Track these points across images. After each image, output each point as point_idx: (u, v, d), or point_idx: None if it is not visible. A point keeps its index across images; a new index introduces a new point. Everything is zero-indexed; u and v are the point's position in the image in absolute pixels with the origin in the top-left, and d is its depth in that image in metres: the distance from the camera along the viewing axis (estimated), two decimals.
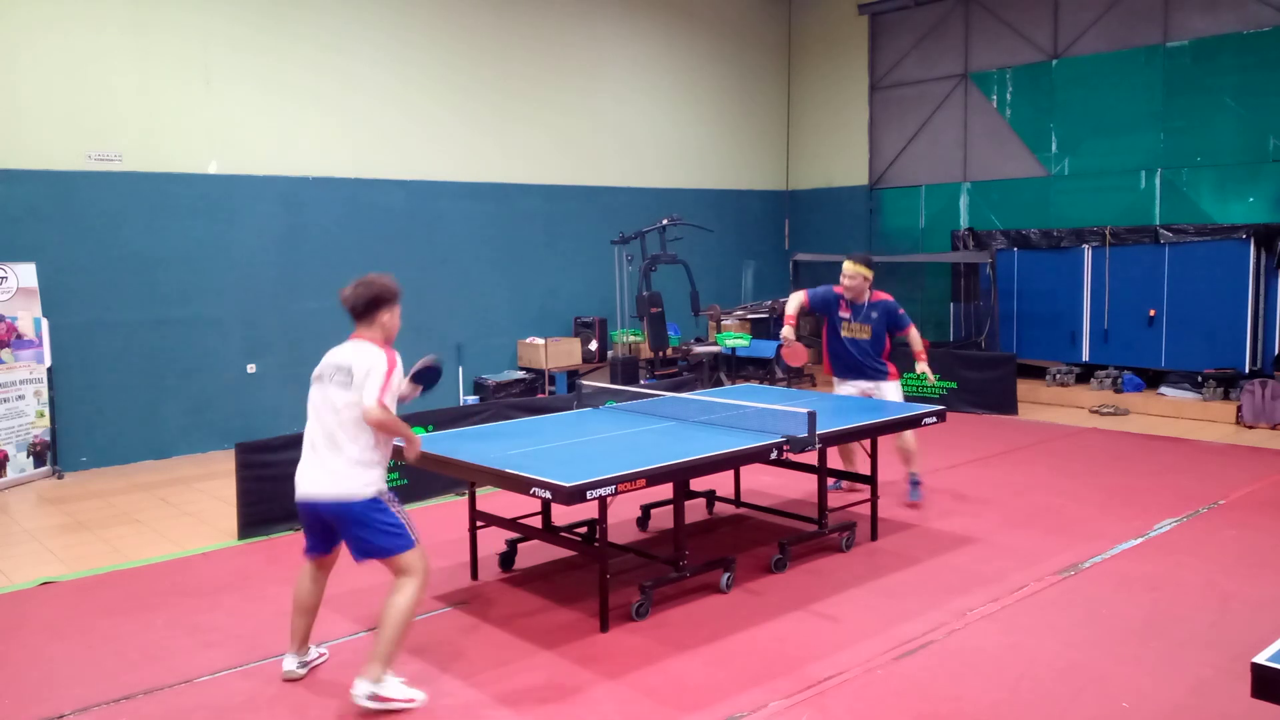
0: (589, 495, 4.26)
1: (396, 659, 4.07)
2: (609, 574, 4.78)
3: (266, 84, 9.75)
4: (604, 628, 4.75)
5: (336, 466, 4.00)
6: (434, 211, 11.07)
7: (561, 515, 5.94)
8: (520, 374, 11.50)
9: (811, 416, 5.14)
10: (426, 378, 4.61)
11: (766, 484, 7.31)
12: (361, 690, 3.92)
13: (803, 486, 7.24)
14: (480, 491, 5.83)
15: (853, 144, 14.47)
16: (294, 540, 6.41)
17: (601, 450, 5.16)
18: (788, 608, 5.01)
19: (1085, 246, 11.57)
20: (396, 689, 3.98)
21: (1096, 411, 10.61)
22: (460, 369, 11.34)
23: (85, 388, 8.74)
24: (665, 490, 5.82)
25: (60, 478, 8.43)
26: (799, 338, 6.84)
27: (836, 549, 5.93)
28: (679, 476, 4.86)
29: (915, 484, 7.02)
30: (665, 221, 11.42)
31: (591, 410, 6.55)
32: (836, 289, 6.99)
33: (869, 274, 6.95)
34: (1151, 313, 11.06)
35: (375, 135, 10.58)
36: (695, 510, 6.77)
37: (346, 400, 4.02)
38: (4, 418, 8.07)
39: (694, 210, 13.14)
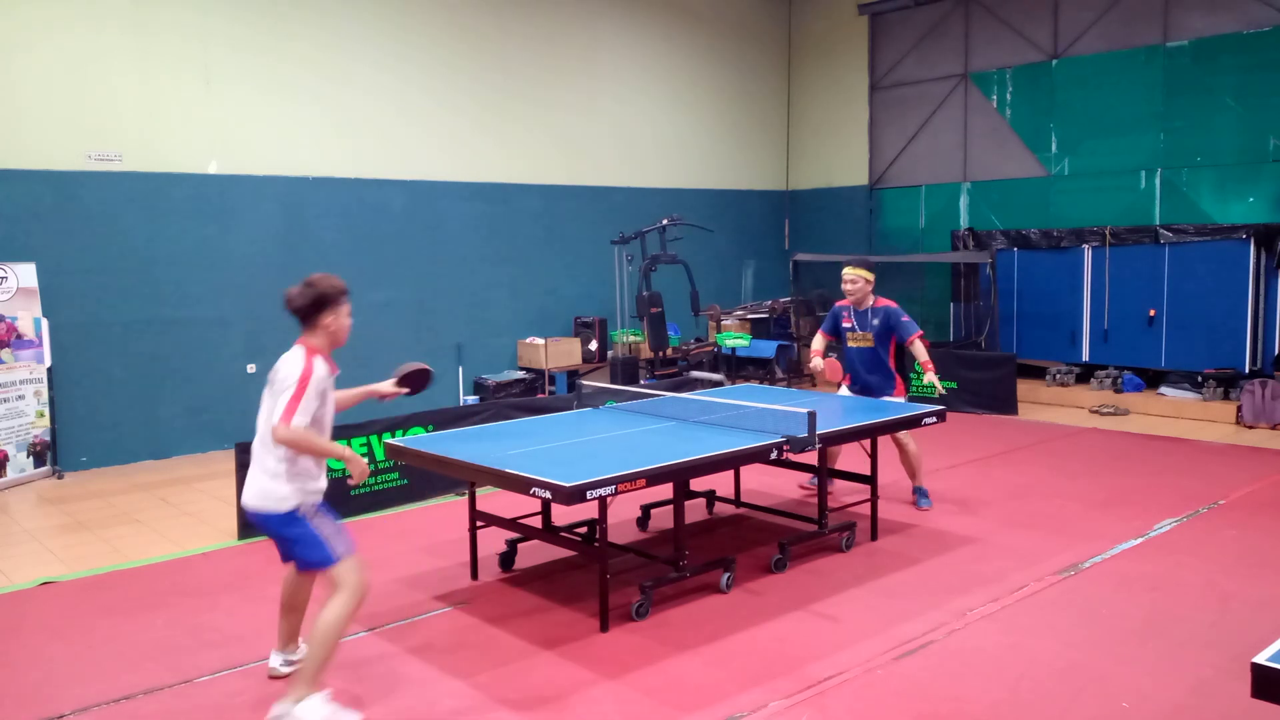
0: (589, 495, 4.26)
1: (321, 677, 3.87)
2: (609, 574, 4.78)
3: (266, 84, 9.75)
4: (604, 628, 4.75)
5: (256, 476, 3.97)
6: (434, 211, 11.07)
7: (561, 515, 5.94)
8: (520, 374, 11.50)
9: (811, 416, 5.14)
10: (414, 381, 4.56)
11: (766, 484, 7.31)
12: (276, 711, 3.78)
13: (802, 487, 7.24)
14: (480, 491, 5.83)
15: (853, 144, 14.47)
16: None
17: (601, 450, 5.16)
18: (788, 608, 5.01)
19: (1085, 246, 11.57)
20: (317, 709, 3.80)
21: (1096, 411, 10.61)
22: (460, 369, 11.35)
23: (85, 388, 8.74)
24: (665, 490, 5.82)
25: (60, 478, 8.43)
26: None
27: (836, 549, 5.93)
28: (679, 476, 4.86)
29: (923, 494, 6.92)
30: (665, 221, 11.42)
31: (591, 410, 6.55)
32: (840, 303, 7.01)
33: (869, 277, 6.92)
34: (1151, 313, 11.06)
35: (375, 135, 10.58)
36: (695, 510, 6.77)
37: (266, 411, 3.94)
38: (4, 418, 8.07)
39: (694, 210, 13.14)
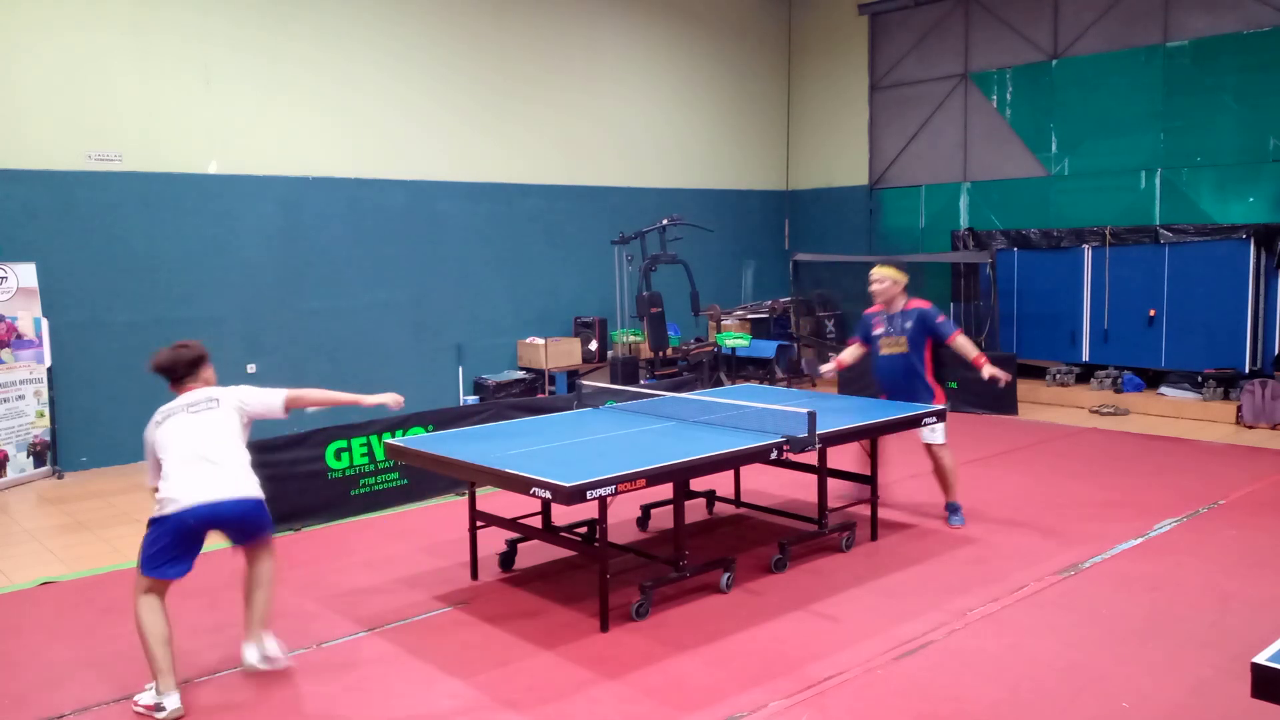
0: (589, 495, 4.26)
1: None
2: (609, 574, 4.78)
3: (266, 84, 9.75)
4: (604, 628, 4.75)
5: (235, 472, 4.31)
6: (434, 211, 11.07)
7: (561, 515, 5.94)
8: (520, 374, 11.50)
9: (811, 416, 5.14)
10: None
11: (766, 484, 7.31)
12: (260, 652, 4.21)
13: (803, 486, 7.23)
14: (480, 491, 5.83)
15: (853, 144, 14.47)
16: (293, 540, 6.42)
17: (601, 450, 5.16)
18: (788, 608, 5.01)
19: (1085, 246, 11.57)
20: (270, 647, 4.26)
21: (1096, 411, 10.61)
22: (460, 369, 11.35)
23: (85, 388, 8.74)
24: (665, 490, 5.82)
25: (60, 478, 8.43)
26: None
27: (836, 549, 5.93)
28: (679, 476, 4.87)
29: (954, 510, 6.47)
30: (665, 221, 11.42)
31: (591, 410, 6.55)
32: (870, 310, 6.66)
33: (899, 277, 6.52)
34: (1151, 313, 11.06)
35: (375, 135, 10.58)
36: (695, 510, 6.77)
37: (222, 418, 4.39)
38: (4, 418, 8.07)
39: (694, 210, 13.14)
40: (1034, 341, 12.12)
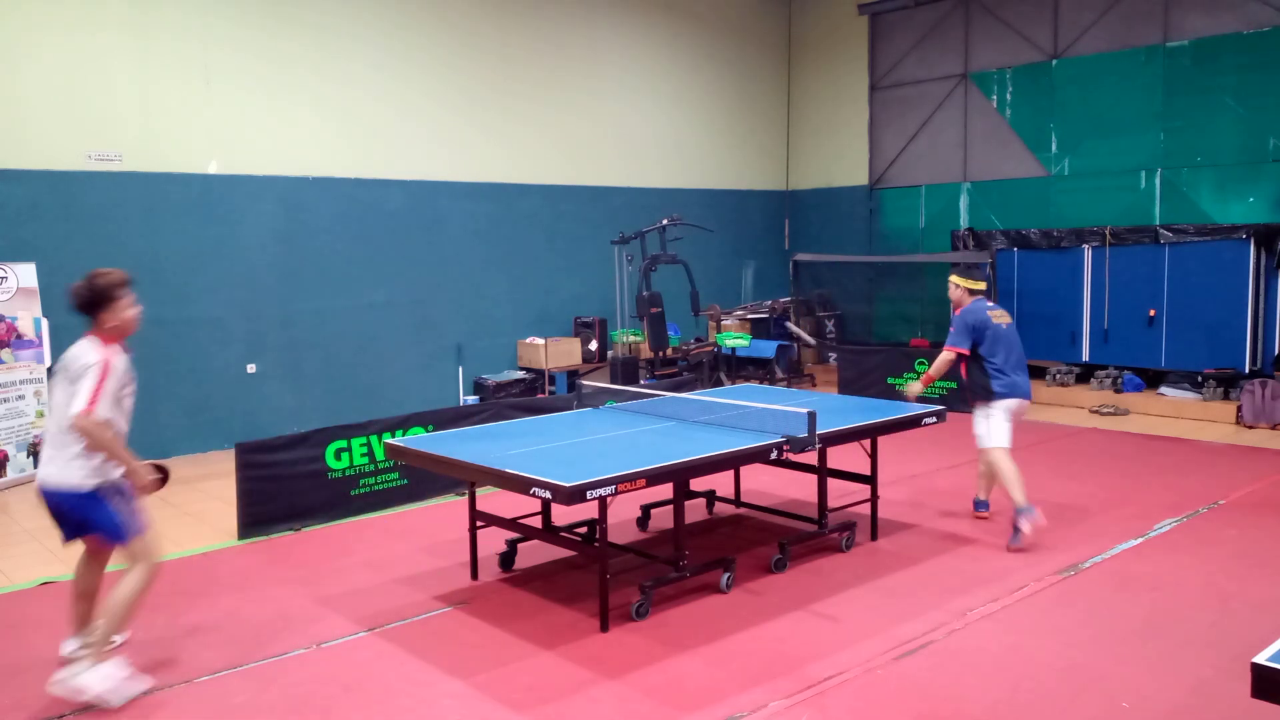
0: (589, 495, 4.26)
1: (109, 644, 4.23)
2: (609, 574, 4.78)
3: (266, 84, 9.75)
4: (604, 628, 4.75)
5: (55, 458, 4.09)
6: (434, 211, 11.07)
7: (561, 515, 5.94)
8: (520, 374, 11.50)
9: (811, 416, 5.14)
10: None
11: (766, 484, 7.31)
12: (63, 676, 4.04)
13: (803, 486, 7.23)
14: (480, 491, 5.83)
15: (853, 144, 14.47)
16: (294, 540, 6.42)
17: (601, 450, 5.16)
18: (788, 608, 5.01)
19: (1085, 246, 11.57)
20: (109, 674, 4.06)
21: (1096, 411, 10.61)
22: (460, 369, 11.35)
23: None
24: (665, 490, 5.82)
25: None
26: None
27: (836, 549, 5.93)
28: (679, 476, 4.86)
29: (1022, 514, 5.89)
30: (665, 221, 11.42)
31: (591, 410, 6.55)
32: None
33: (958, 282, 6.64)
34: (1151, 313, 11.06)
35: (375, 135, 10.58)
36: (695, 510, 6.77)
37: (67, 398, 4.04)
38: (4, 418, 8.07)
39: (694, 210, 13.14)
40: (1034, 341, 12.08)
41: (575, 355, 11.79)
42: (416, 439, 5.80)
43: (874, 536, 6.16)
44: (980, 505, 6.66)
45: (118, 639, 4.44)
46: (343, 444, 6.92)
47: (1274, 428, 9.47)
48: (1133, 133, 11.60)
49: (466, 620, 4.97)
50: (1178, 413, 10.32)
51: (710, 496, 6.86)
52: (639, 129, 13.16)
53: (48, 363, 8.41)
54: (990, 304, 6.65)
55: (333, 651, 4.62)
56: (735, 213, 14.42)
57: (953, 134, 13.37)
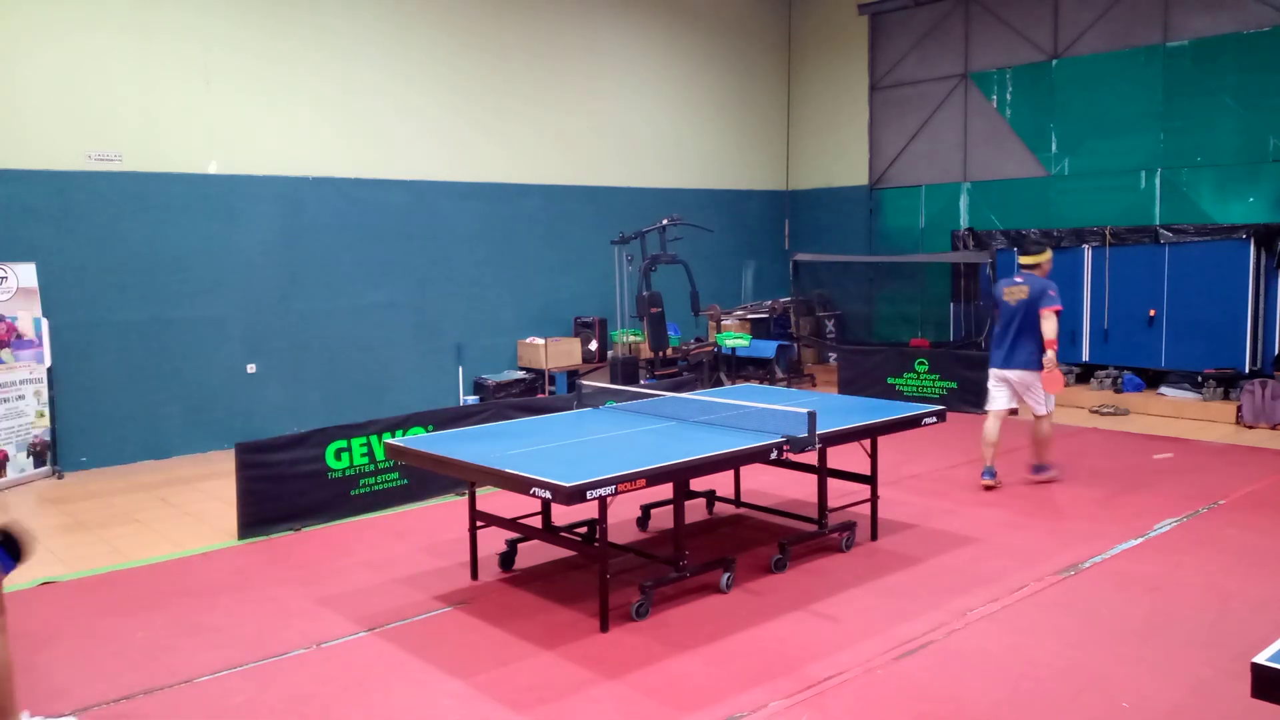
0: (589, 495, 4.26)
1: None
2: (609, 574, 4.78)
3: (266, 84, 9.75)
4: (604, 628, 4.75)
5: None
6: (434, 211, 11.07)
7: (561, 515, 5.94)
8: (520, 374, 11.50)
9: (811, 416, 5.14)
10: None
11: (766, 484, 7.31)
12: None
13: (803, 486, 7.23)
14: (480, 491, 5.83)
15: (853, 144, 14.47)
16: (294, 540, 6.42)
17: (601, 450, 5.16)
18: (788, 608, 5.01)
19: (1085, 246, 11.57)
20: None
21: (1096, 411, 10.61)
22: (460, 369, 11.35)
23: (85, 388, 8.74)
24: (665, 490, 5.82)
25: (60, 478, 8.43)
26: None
27: (836, 549, 5.93)
28: (679, 476, 4.86)
29: (1038, 469, 7.48)
30: (665, 221, 11.42)
31: (591, 410, 6.55)
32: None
33: (1022, 260, 7.48)
34: (1151, 313, 11.06)
35: (375, 135, 10.58)
36: (695, 510, 6.77)
37: None
38: (4, 418, 8.07)
39: (694, 210, 13.14)
40: None
41: (575, 355, 11.79)
42: (416, 439, 5.80)
43: (874, 536, 6.16)
44: (1037, 469, 7.54)
45: None
46: (343, 444, 6.92)
47: (1274, 428, 9.47)
48: (1133, 133, 11.60)
49: (466, 620, 4.97)
50: (1178, 413, 10.32)
51: (710, 496, 6.86)
52: (639, 129, 13.16)
53: (48, 363, 8.42)
54: (1015, 279, 7.47)
55: (333, 651, 4.62)
56: (735, 213, 14.42)
57: (953, 134, 13.37)
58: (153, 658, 4.59)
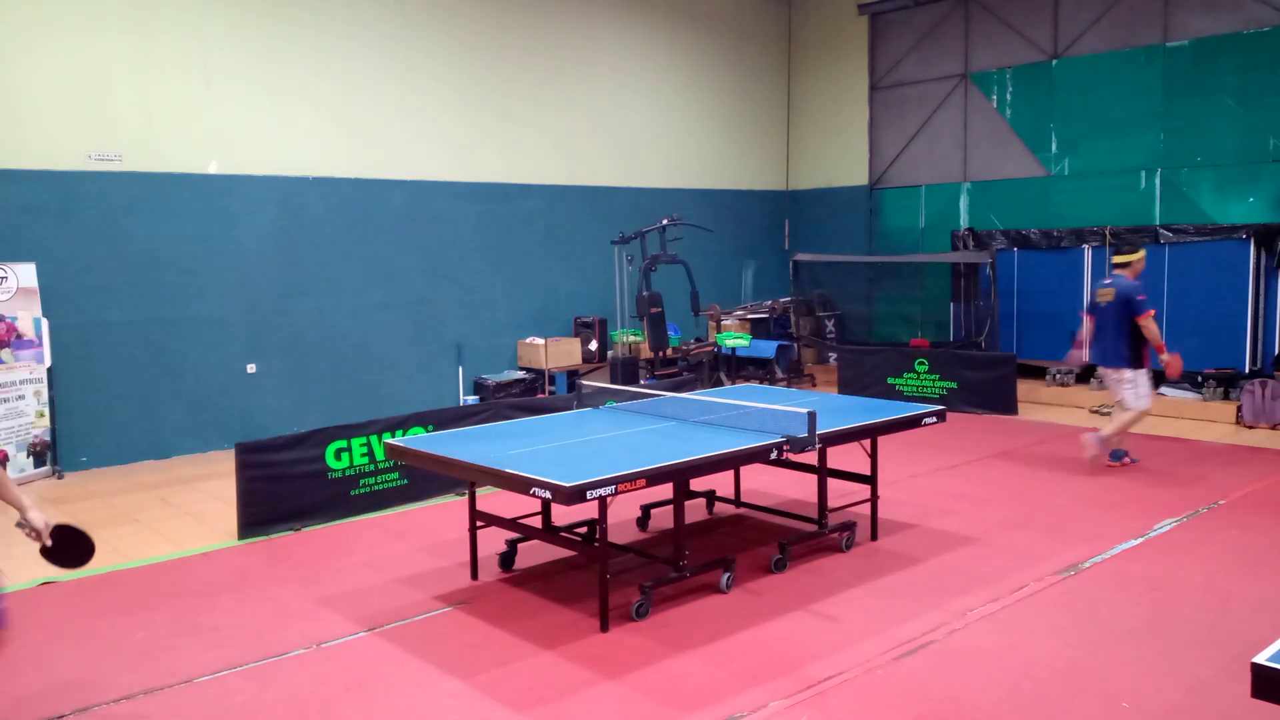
0: (589, 495, 4.26)
1: None
2: (609, 574, 4.78)
3: (266, 84, 9.75)
4: (604, 628, 4.75)
5: None
6: (434, 211, 11.07)
7: (561, 515, 5.94)
8: (520, 374, 11.50)
9: (811, 416, 5.14)
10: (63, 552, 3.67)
11: (766, 484, 7.31)
12: None
13: (803, 486, 7.23)
14: (480, 491, 5.83)
15: (853, 144, 14.47)
16: (294, 540, 6.42)
17: (601, 450, 5.16)
18: (788, 608, 5.01)
19: (1085, 246, 11.57)
20: None
21: (1096, 411, 10.60)
22: (460, 369, 11.35)
23: (85, 388, 8.74)
24: (665, 490, 5.82)
25: (60, 478, 8.43)
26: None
27: (836, 549, 5.93)
28: (679, 476, 4.86)
29: (1116, 455, 7.94)
30: (665, 221, 11.42)
31: (591, 410, 6.55)
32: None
33: (1114, 260, 8.01)
34: (1151, 313, 11.03)
35: (375, 135, 10.58)
36: (695, 510, 6.77)
37: None
38: (4, 418, 8.07)
39: (694, 210, 13.14)
40: (1034, 341, 12.12)
41: (575, 355, 11.79)
42: (416, 439, 5.80)
43: (874, 536, 6.16)
44: (1115, 456, 7.94)
45: None
46: (343, 444, 6.92)
47: (1274, 428, 9.47)
48: (1133, 133, 11.60)
49: (466, 620, 4.97)
50: (1178, 413, 10.32)
51: (710, 496, 6.86)
52: (639, 129, 13.16)
53: (48, 363, 8.42)
54: (1105, 281, 8.06)
55: (333, 651, 4.62)
56: (735, 213, 14.42)
57: (953, 134, 13.37)
58: (153, 658, 4.59)
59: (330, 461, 6.86)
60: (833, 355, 13.33)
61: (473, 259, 11.43)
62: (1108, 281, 7.96)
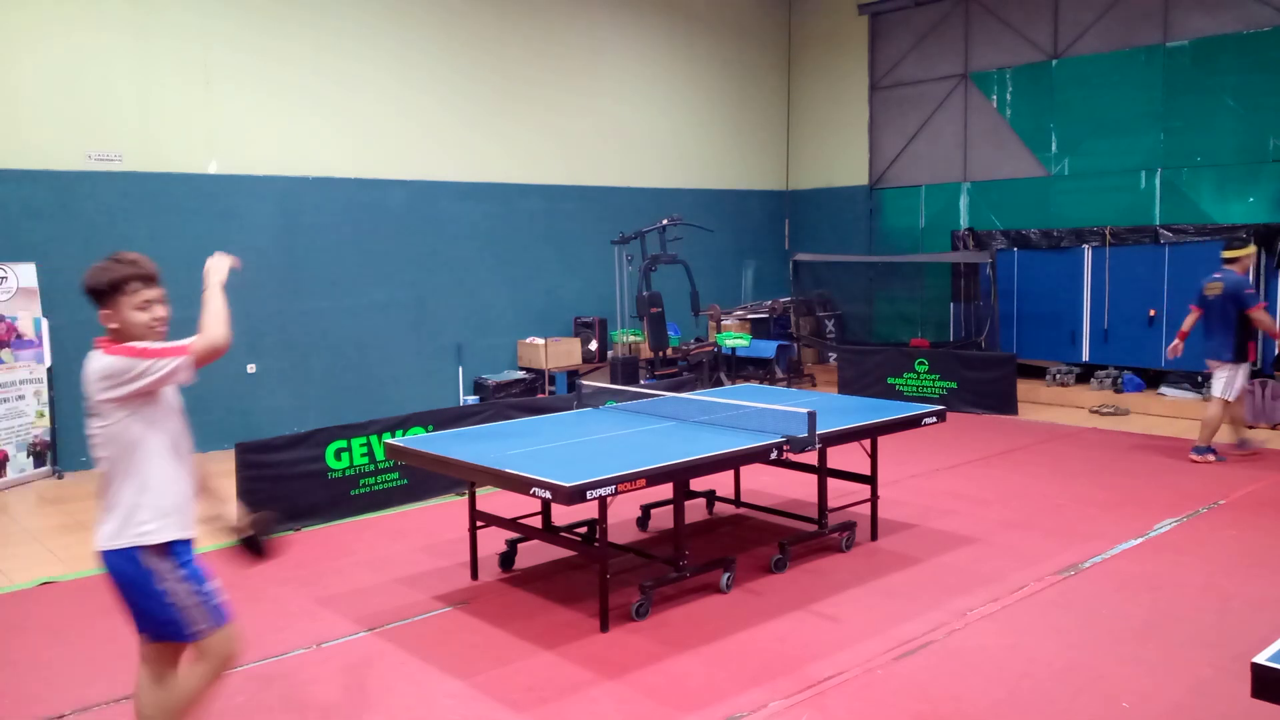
0: (589, 495, 4.26)
1: None
2: (609, 574, 4.78)
3: (266, 84, 9.75)
4: (604, 628, 4.75)
5: (106, 508, 3.31)
6: (434, 211, 11.07)
7: (561, 515, 5.94)
8: (520, 374, 11.50)
9: (811, 416, 5.14)
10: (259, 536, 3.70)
11: (766, 484, 7.31)
12: None
13: (803, 486, 7.23)
14: (480, 491, 5.83)
15: (853, 144, 14.47)
16: (294, 540, 6.42)
17: (601, 450, 5.16)
18: (788, 608, 5.01)
19: (1085, 246, 11.57)
20: None
21: (1096, 411, 10.60)
22: (460, 369, 11.35)
23: None
24: (665, 490, 5.82)
25: (60, 478, 8.43)
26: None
27: (836, 549, 5.93)
28: (679, 476, 4.86)
29: (1201, 450, 8.08)
30: (665, 221, 11.42)
31: (591, 410, 6.55)
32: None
33: (1224, 254, 8.17)
34: (1151, 313, 11.06)
35: (375, 135, 10.58)
36: (695, 510, 6.77)
37: (101, 425, 3.19)
38: (4, 418, 8.07)
39: (694, 210, 13.14)
40: (1034, 341, 12.12)
41: (575, 355, 11.79)
42: (416, 439, 5.80)
43: (874, 536, 6.16)
44: (1199, 450, 8.11)
45: None
46: (343, 444, 6.92)
47: (1274, 428, 9.46)
48: (1133, 133, 11.60)
49: (466, 620, 4.97)
50: (1178, 413, 10.32)
51: (710, 496, 6.86)
52: (639, 129, 13.16)
53: (48, 363, 8.41)
54: (1214, 275, 8.13)
55: (333, 651, 4.62)
56: (735, 213, 14.42)
57: (953, 134, 13.37)
58: None
59: (330, 461, 6.86)
60: (833, 355, 13.33)
61: (473, 259, 11.43)
62: (1217, 276, 8.10)
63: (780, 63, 15.14)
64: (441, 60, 11.08)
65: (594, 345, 11.98)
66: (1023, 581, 5.32)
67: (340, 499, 6.91)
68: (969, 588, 5.24)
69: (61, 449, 8.59)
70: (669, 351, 11.47)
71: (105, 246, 9.30)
